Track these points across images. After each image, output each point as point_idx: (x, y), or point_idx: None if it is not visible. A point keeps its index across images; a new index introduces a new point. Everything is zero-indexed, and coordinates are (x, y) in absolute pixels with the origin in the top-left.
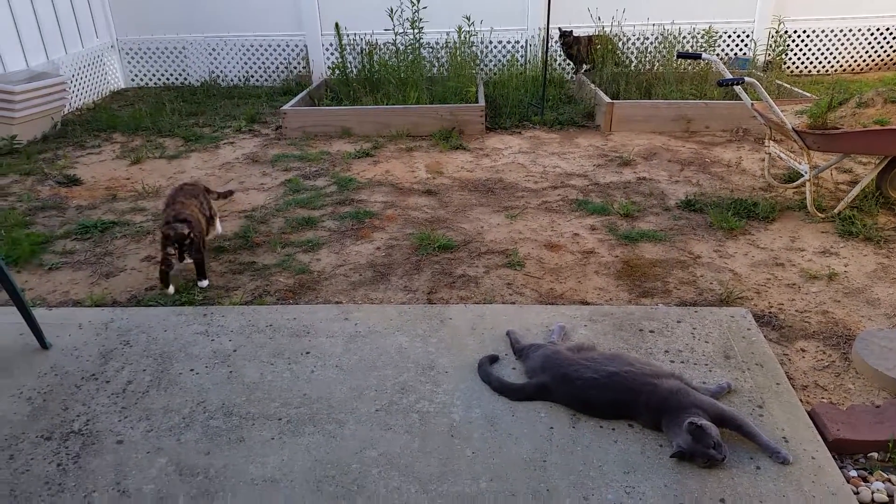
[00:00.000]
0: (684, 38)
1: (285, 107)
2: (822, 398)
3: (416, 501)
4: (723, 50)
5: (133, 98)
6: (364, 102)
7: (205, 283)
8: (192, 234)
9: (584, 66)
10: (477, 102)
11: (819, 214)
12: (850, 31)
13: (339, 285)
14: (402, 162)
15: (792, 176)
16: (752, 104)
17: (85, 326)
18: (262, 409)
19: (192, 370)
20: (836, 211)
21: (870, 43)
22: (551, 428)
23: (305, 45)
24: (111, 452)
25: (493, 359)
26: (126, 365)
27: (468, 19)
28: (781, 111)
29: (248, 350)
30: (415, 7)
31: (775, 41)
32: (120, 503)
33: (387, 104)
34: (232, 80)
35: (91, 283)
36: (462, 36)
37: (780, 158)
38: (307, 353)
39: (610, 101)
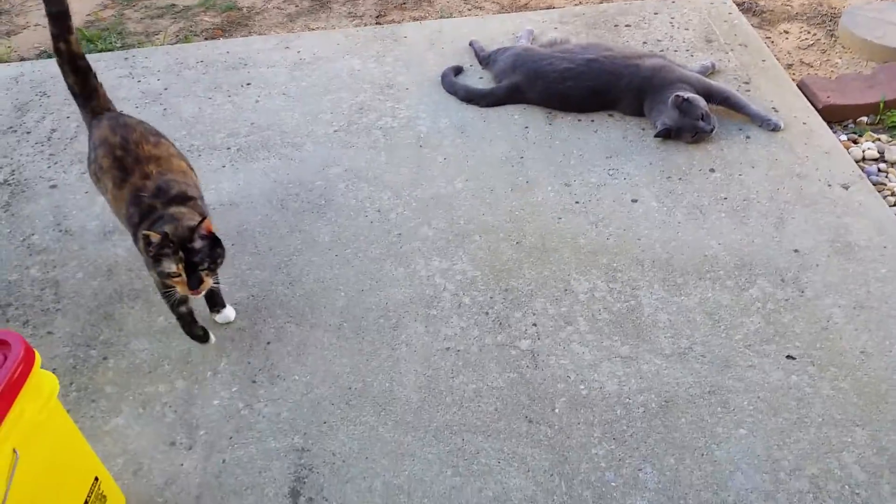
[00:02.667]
0: None
1: None
2: (809, 73)
3: (391, 206)
4: None
5: None
6: None
7: (231, 314)
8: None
9: None
10: None
11: None
12: None
13: (273, 18)
14: None
15: None
16: None
17: None
18: (207, 141)
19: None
20: None
21: None
22: (526, 128)
23: None
24: (45, 197)
25: (458, 70)
26: (46, 115)
27: None
28: None
29: (180, 87)
30: None
31: None
32: (63, 242)
33: None
34: None
35: None
36: None
37: None
38: (247, 84)
39: None
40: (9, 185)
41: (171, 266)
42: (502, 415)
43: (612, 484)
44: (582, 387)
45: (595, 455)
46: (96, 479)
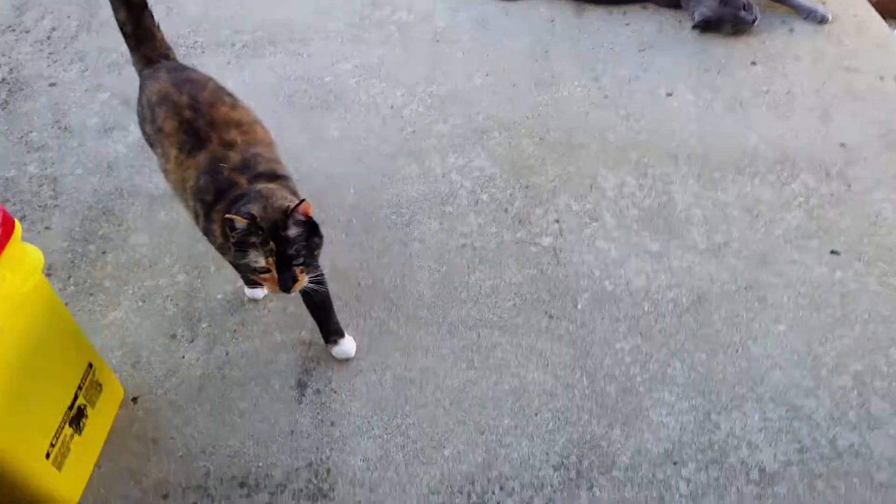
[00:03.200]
0: None
1: None
2: None
3: (405, 103)
4: None
5: None
6: None
7: (351, 349)
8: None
9: None
10: None
11: None
12: None
13: None
14: None
15: None
16: None
17: None
18: (212, 38)
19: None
20: None
21: None
22: (552, 21)
23: None
24: (44, 95)
25: None
26: (46, 14)
27: None
28: None
29: None
30: None
31: None
32: (62, 139)
33: None
34: None
35: None
36: None
37: None
38: None
39: None
40: (6, 83)
41: (258, 259)
42: (521, 310)
43: (638, 379)
44: (607, 283)
45: (620, 350)
46: (90, 365)
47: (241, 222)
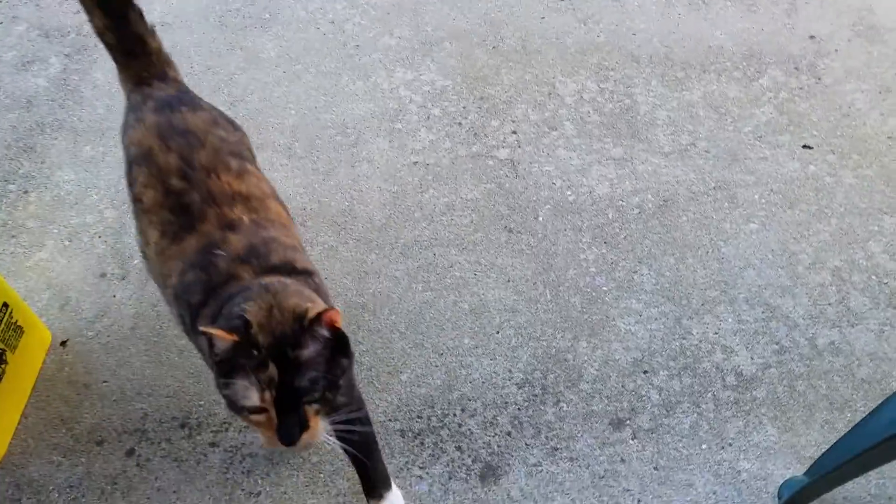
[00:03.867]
0: None
1: None
2: None
3: (346, 17)
4: None
5: None
6: None
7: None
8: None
9: None
10: None
11: None
12: None
13: None
14: None
15: None
16: None
17: None
18: None
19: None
20: None
21: None
22: None
23: None
24: None
25: None
26: None
27: None
28: None
29: None
30: None
31: None
32: None
33: None
34: None
35: None
36: None
37: None
38: None
39: None
40: None
41: (247, 394)
42: (479, 227)
43: (604, 288)
44: (569, 192)
45: (584, 260)
46: (5, 305)
47: (222, 338)
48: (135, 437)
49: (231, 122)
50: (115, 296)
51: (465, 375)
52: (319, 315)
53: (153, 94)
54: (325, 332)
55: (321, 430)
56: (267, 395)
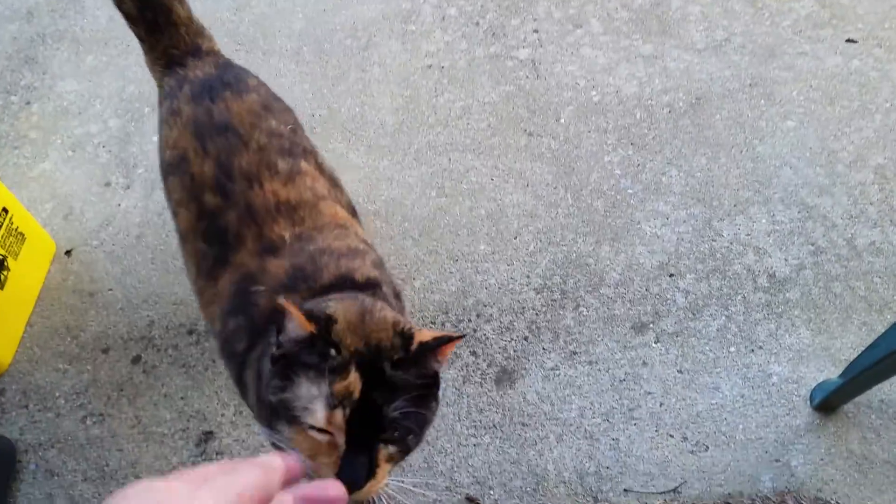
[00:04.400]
0: None
1: None
2: None
3: None
4: None
5: None
6: None
7: None
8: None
9: None
10: None
11: None
12: None
13: None
14: None
15: None
16: None
17: None
18: None
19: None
20: None
21: None
22: None
23: None
24: None
25: None
26: None
27: None
28: None
29: None
30: None
31: None
32: None
33: None
34: None
35: None
36: None
37: None
38: None
39: None
40: None
41: (314, 403)
42: (496, 130)
43: (629, 191)
44: (594, 93)
45: (608, 163)
46: (5, 210)
47: (299, 322)
48: (141, 344)
49: (279, 100)
50: (119, 205)
51: (480, 281)
52: (439, 340)
53: (188, 76)
54: (435, 365)
55: (386, 479)
56: (339, 413)
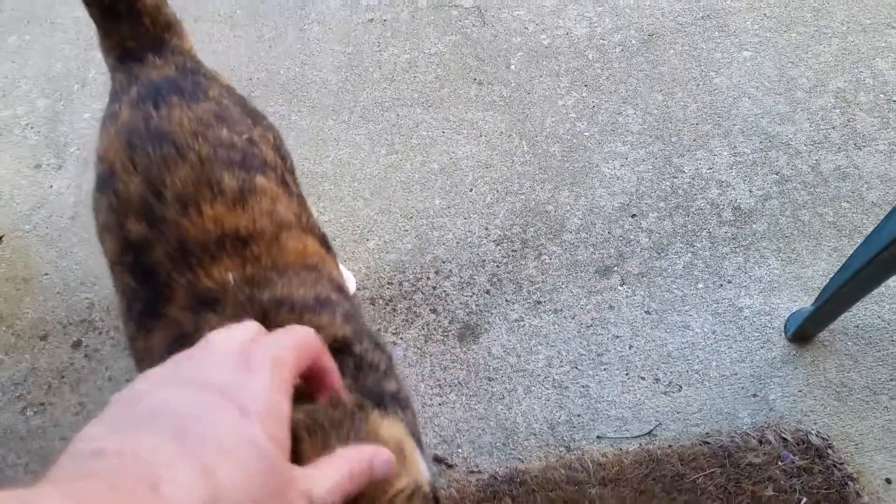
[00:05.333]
0: None
1: None
2: None
3: None
4: None
5: None
6: None
7: None
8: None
9: None
10: None
11: None
12: None
13: None
14: None
15: None
16: None
17: None
18: None
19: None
20: None
21: None
22: None
23: None
24: None
25: None
26: None
27: None
28: None
29: None
30: None
31: None
32: None
33: None
34: None
35: None
36: None
37: None
38: None
39: None
40: None
41: None
42: (445, 82)
43: (586, 134)
44: (543, 37)
45: (563, 107)
46: None
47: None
48: (81, 329)
49: (252, 114)
50: (51, 186)
51: (437, 237)
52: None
53: (140, 75)
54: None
55: None
56: None
